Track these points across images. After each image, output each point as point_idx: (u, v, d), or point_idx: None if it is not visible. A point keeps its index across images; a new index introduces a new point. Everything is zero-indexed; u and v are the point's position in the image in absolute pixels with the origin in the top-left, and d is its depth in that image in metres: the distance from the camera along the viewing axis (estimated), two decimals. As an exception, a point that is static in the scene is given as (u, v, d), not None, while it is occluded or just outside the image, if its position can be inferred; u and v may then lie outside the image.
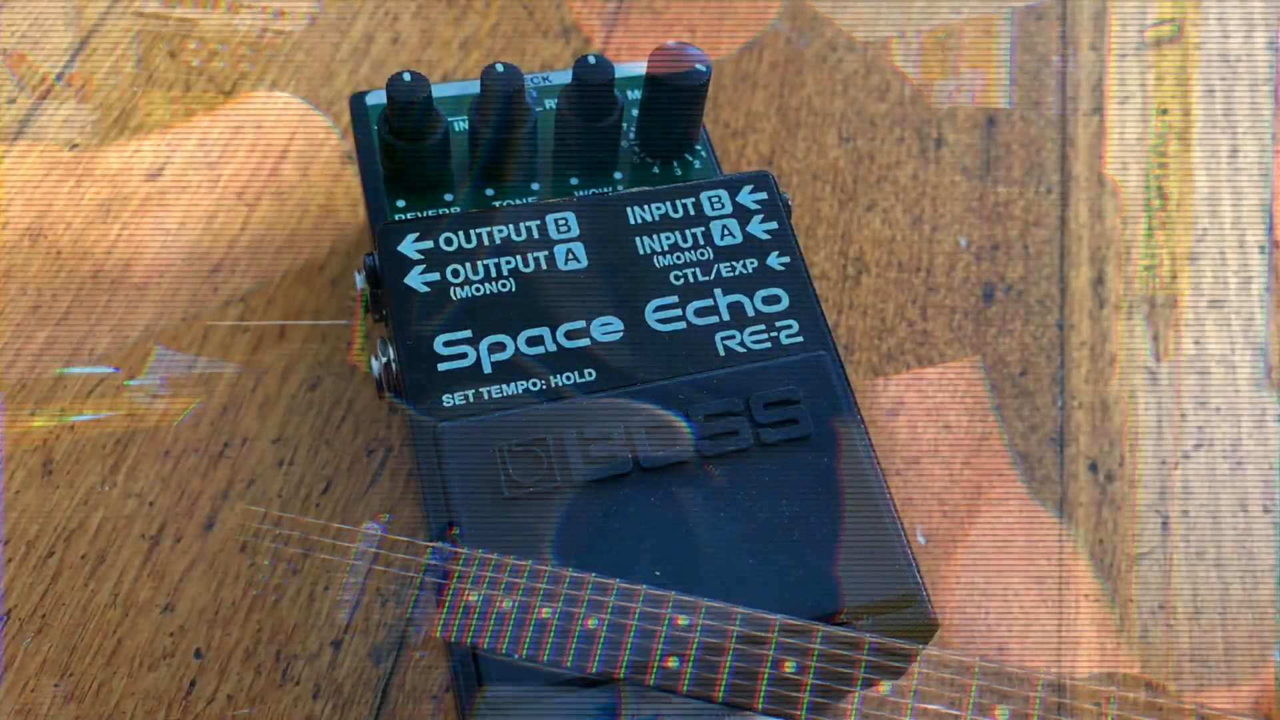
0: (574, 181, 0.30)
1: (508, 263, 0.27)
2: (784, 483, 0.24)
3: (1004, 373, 0.35)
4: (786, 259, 0.28)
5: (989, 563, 0.32)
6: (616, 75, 0.32)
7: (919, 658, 0.30)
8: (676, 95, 0.29)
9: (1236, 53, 0.44)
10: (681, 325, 0.26)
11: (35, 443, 0.32)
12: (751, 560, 0.23)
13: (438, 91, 0.31)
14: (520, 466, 0.24)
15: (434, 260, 0.27)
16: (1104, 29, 0.44)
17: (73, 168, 0.37)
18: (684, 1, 0.43)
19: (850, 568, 0.23)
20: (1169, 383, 0.36)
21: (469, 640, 0.22)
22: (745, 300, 0.27)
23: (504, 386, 0.25)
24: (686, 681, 0.22)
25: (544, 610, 0.22)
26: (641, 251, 0.27)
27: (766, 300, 0.27)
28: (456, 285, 0.26)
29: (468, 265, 0.27)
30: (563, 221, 0.28)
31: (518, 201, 0.30)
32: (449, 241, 0.27)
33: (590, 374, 0.25)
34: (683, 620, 0.22)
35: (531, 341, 0.26)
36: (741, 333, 0.26)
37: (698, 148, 0.31)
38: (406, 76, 0.28)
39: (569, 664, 0.22)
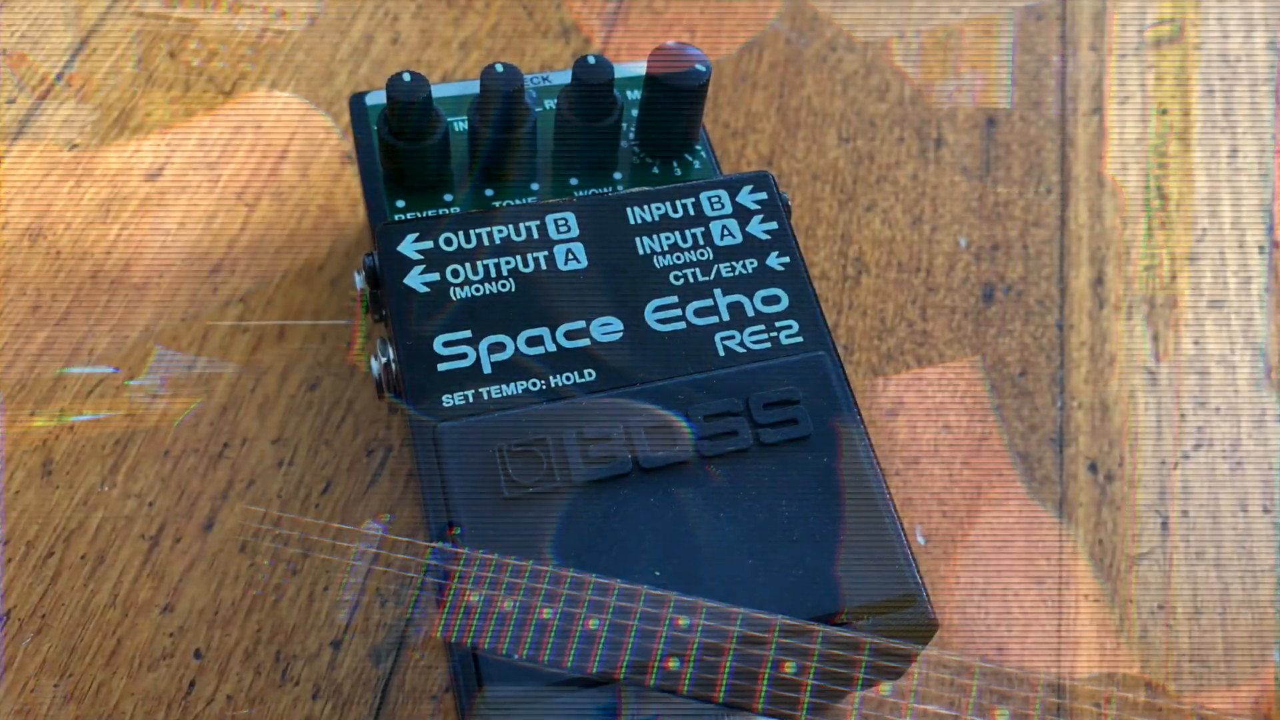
0: (574, 182, 0.30)
1: (507, 263, 0.27)
2: (783, 483, 0.24)
3: (1004, 373, 0.35)
4: (786, 259, 0.28)
5: (988, 563, 0.32)
6: (616, 75, 0.32)
7: (919, 658, 0.30)
8: (676, 95, 0.29)
9: (1236, 53, 0.44)
10: (681, 325, 0.26)
11: (35, 443, 0.32)
12: (751, 560, 0.23)
13: (437, 92, 0.31)
14: (520, 467, 0.24)
15: (434, 260, 0.27)
16: (1104, 29, 0.44)
17: (72, 168, 0.37)
18: (684, 1, 0.43)
19: (850, 568, 0.23)
20: (1169, 383, 0.36)
21: (469, 641, 0.22)
22: (745, 300, 0.27)
23: (504, 387, 0.25)
24: (686, 682, 0.22)
25: (544, 611, 0.22)
26: (641, 251, 0.27)
27: (766, 300, 0.27)
28: (456, 285, 0.26)
29: (467, 265, 0.27)
30: (562, 222, 0.28)
31: (517, 202, 0.30)
32: (449, 242, 0.27)
33: (590, 374, 0.25)
34: (683, 621, 0.22)
35: (531, 341, 0.26)
36: (741, 333, 0.26)
37: (697, 148, 0.31)
38: (406, 77, 0.28)
39: (569, 665, 0.22)
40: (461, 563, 0.22)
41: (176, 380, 0.33)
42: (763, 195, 0.29)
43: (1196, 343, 0.37)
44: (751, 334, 0.26)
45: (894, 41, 0.43)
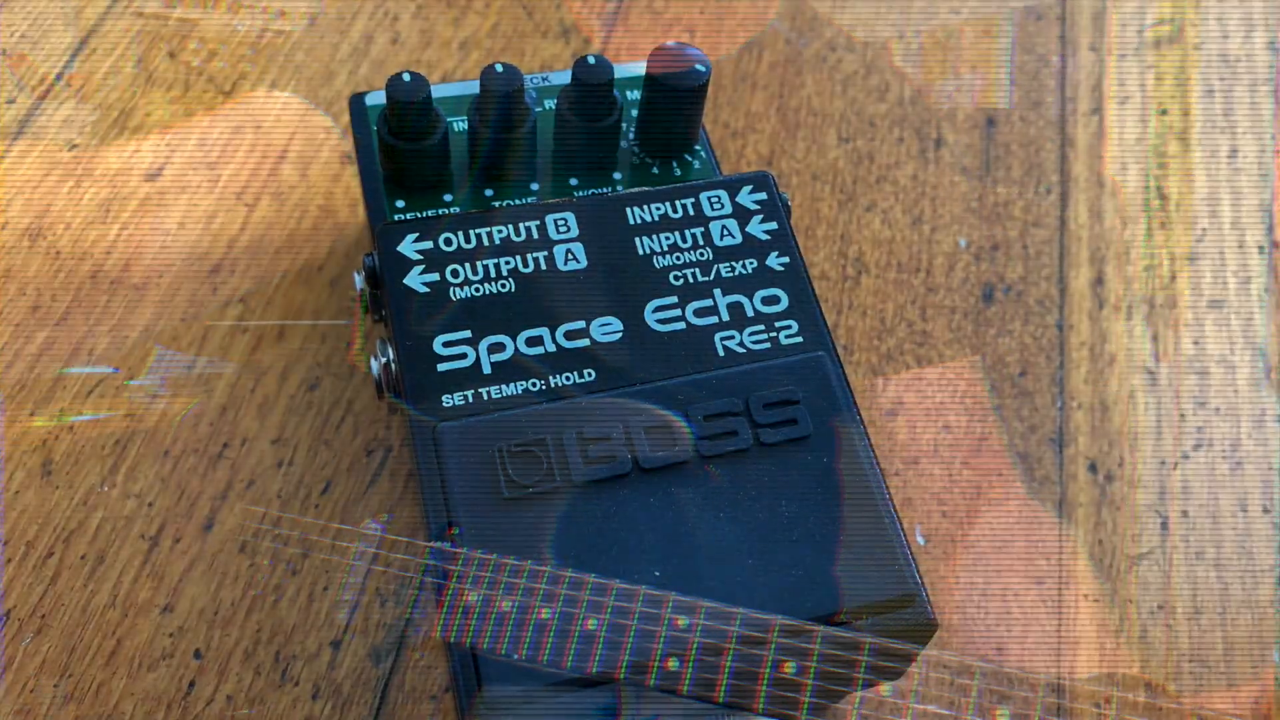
0: (573, 182, 0.30)
1: (507, 263, 0.27)
2: (783, 483, 0.24)
3: (1003, 373, 0.35)
4: (786, 259, 0.28)
5: (988, 563, 0.32)
6: (616, 75, 0.32)
7: (919, 659, 0.30)
8: (676, 95, 0.29)
9: (1236, 53, 0.44)
10: (681, 325, 0.26)
11: (35, 443, 0.32)
12: (751, 560, 0.23)
13: (437, 92, 0.31)
14: (520, 467, 0.24)
15: (433, 260, 0.27)
16: (1103, 29, 0.44)
17: (72, 168, 0.37)
18: (683, 2, 0.43)
19: (849, 568, 0.23)
20: (1168, 383, 0.36)
21: (468, 641, 0.22)
22: (745, 300, 0.27)
23: (503, 387, 0.25)
24: (686, 683, 0.22)
25: (544, 611, 0.22)
26: (641, 252, 0.27)
27: (766, 300, 0.27)
28: (456, 285, 0.26)
29: (467, 265, 0.27)
30: (562, 222, 0.28)
31: (517, 202, 0.30)
32: (448, 242, 0.27)
33: (590, 374, 0.25)
34: (682, 621, 0.22)
35: (531, 342, 0.26)
36: (741, 333, 0.26)
37: (697, 148, 0.31)
38: (406, 77, 0.28)
39: (569, 665, 0.22)
40: (460, 563, 0.22)
41: (176, 380, 0.33)
42: (762, 195, 0.29)
43: (1196, 343, 0.37)
44: (751, 334, 0.26)
45: (894, 42, 0.43)
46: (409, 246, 0.27)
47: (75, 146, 0.38)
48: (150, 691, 0.29)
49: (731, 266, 0.27)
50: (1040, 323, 0.36)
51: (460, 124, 0.31)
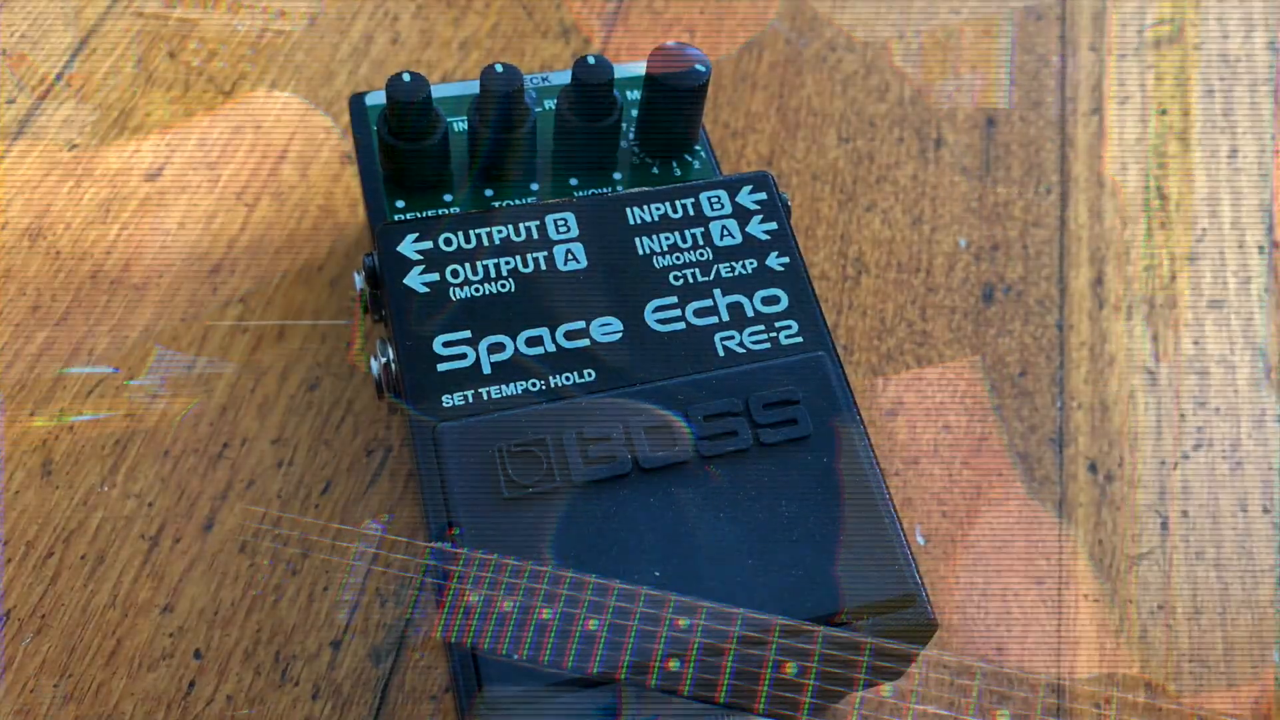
0: (573, 182, 0.30)
1: (507, 263, 0.27)
2: (783, 483, 0.24)
3: (1003, 373, 0.35)
4: (786, 259, 0.28)
5: (988, 563, 0.32)
6: (616, 76, 0.32)
7: (919, 659, 0.30)
8: (676, 95, 0.29)
9: (1236, 53, 0.44)
10: (681, 326, 0.26)
11: (35, 443, 0.32)
12: (751, 560, 0.23)
13: (437, 92, 0.31)
14: (520, 467, 0.24)
15: (433, 261, 0.27)
16: (1103, 29, 0.44)
17: (72, 168, 0.37)
18: (683, 2, 0.43)
19: (849, 568, 0.23)
20: (1168, 383, 0.36)
21: (469, 641, 0.22)
22: (744, 301, 0.27)
23: (503, 387, 0.25)
24: (686, 683, 0.22)
25: (544, 611, 0.22)
26: (641, 252, 0.27)
27: (766, 301, 0.27)
28: (456, 285, 0.26)
29: (467, 266, 0.27)
30: (562, 222, 0.28)
31: (517, 202, 0.30)
32: (448, 242, 0.27)
33: (590, 374, 0.25)
34: (683, 622, 0.22)
35: (531, 342, 0.26)
36: (741, 333, 0.26)
37: (697, 148, 0.31)
38: (406, 77, 0.28)
39: (569, 665, 0.22)
40: (461, 563, 0.22)
41: (176, 380, 0.33)
42: (762, 195, 0.29)
43: (1196, 343, 0.37)
44: (751, 334, 0.26)
45: (894, 42, 0.43)
46: (409, 246, 0.27)
47: (75, 146, 0.38)
48: (150, 691, 0.29)
49: (731, 266, 0.27)
50: (1040, 323, 0.36)
51: (460, 124, 0.31)
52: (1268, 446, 0.35)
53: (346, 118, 0.36)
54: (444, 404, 0.25)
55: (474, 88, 0.31)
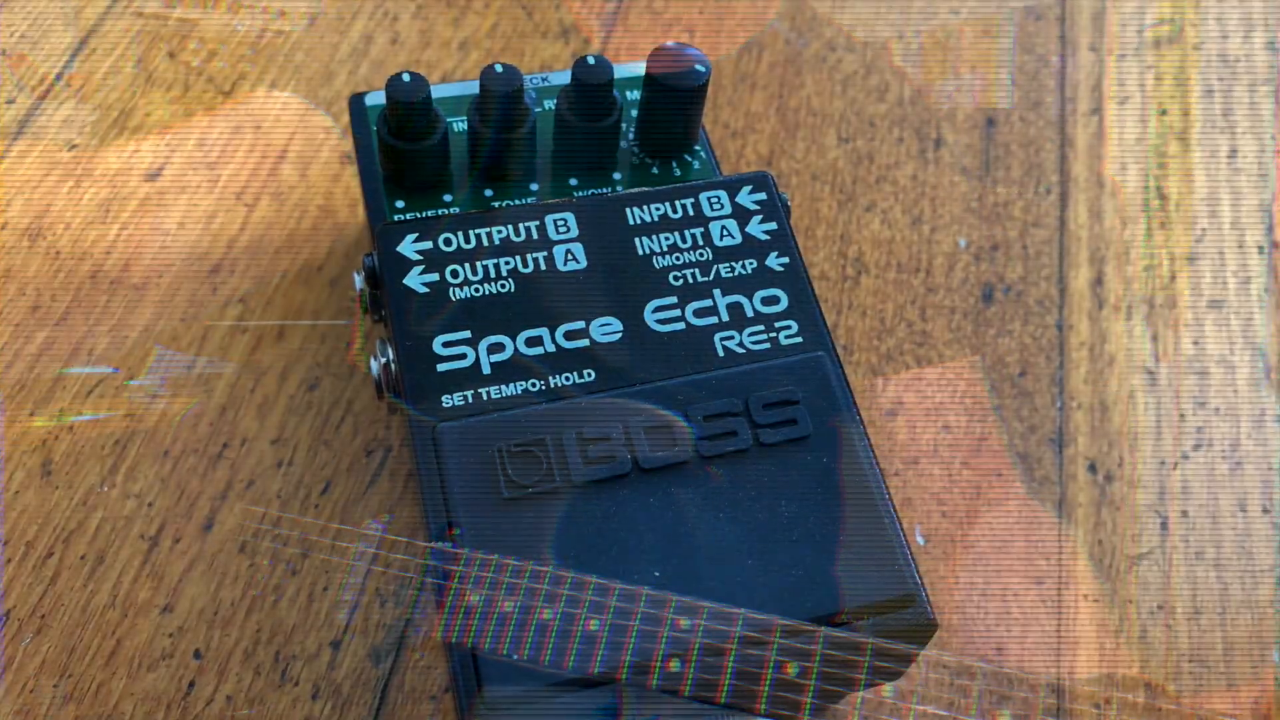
0: (573, 182, 0.30)
1: (507, 263, 0.27)
2: (783, 483, 0.24)
3: (1003, 373, 0.35)
4: (785, 259, 0.28)
5: (988, 563, 0.32)
6: (615, 76, 0.32)
7: (920, 660, 0.30)
8: (675, 96, 0.29)
9: (1236, 53, 0.44)
10: (680, 326, 0.26)
11: (34, 443, 0.32)
12: (751, 561, 0.23)
13: (437, 92, 0.31)
14: (519, 467, 0.24)
15: (433, 261, 0.27)
16: (1103, 29, 0.44)
17: (72, 168, 0.37)
18: (683, 2, 0.43)
19: (849, 568, 0.23)
20: (1168, 383, 0.36)
21: (469, 642, 0.22)
22: (744, 301, 0.27)
23: (503, 387, 0.25)
24: (687, 684, 0.22)
25: (545, 612, 0.22)
26: (641, 252, 0.27)
27: (765, 301, 0.27)
28: (455, 286, 0.26)
29: (467, 266, 0.27)
30: (562, 222, 0.28)
31: (517, 202, 0.30)
32: (448, 242, 0.27)
33: (589, 374, 0.25)
34: (684, 622, 0.22)
35: (531, 342, 0.26)
36: (740, 333, 0.26)
37: (697, 148, 0.31)
38: (406, 77, 0.28)
39: (570, 666, 0.22)
40: (461, 563, 0.22)
41: (176, 380, 0.33)
42: (762, 196, 0.29)
43: (1196, 343, 0.37)
44: (751, 334, 0.26)
45: (893, 42, 0.43)
46: (409, 247, 0.27)
47: (75, 146, 0.38)
48: (150, 691, 0.29)
49: (731, 267, 0.27)
50: (1040, 323, 0.36)
51: (460, 124, 0.31)
52: (1267, 446, 0.35)
53: (346, 118, 0.36)
54: (444, 404, 0.25)
55: (474, 88, 0.31)
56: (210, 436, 0.32)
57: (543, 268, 0.27)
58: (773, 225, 0.28)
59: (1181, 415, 0.35)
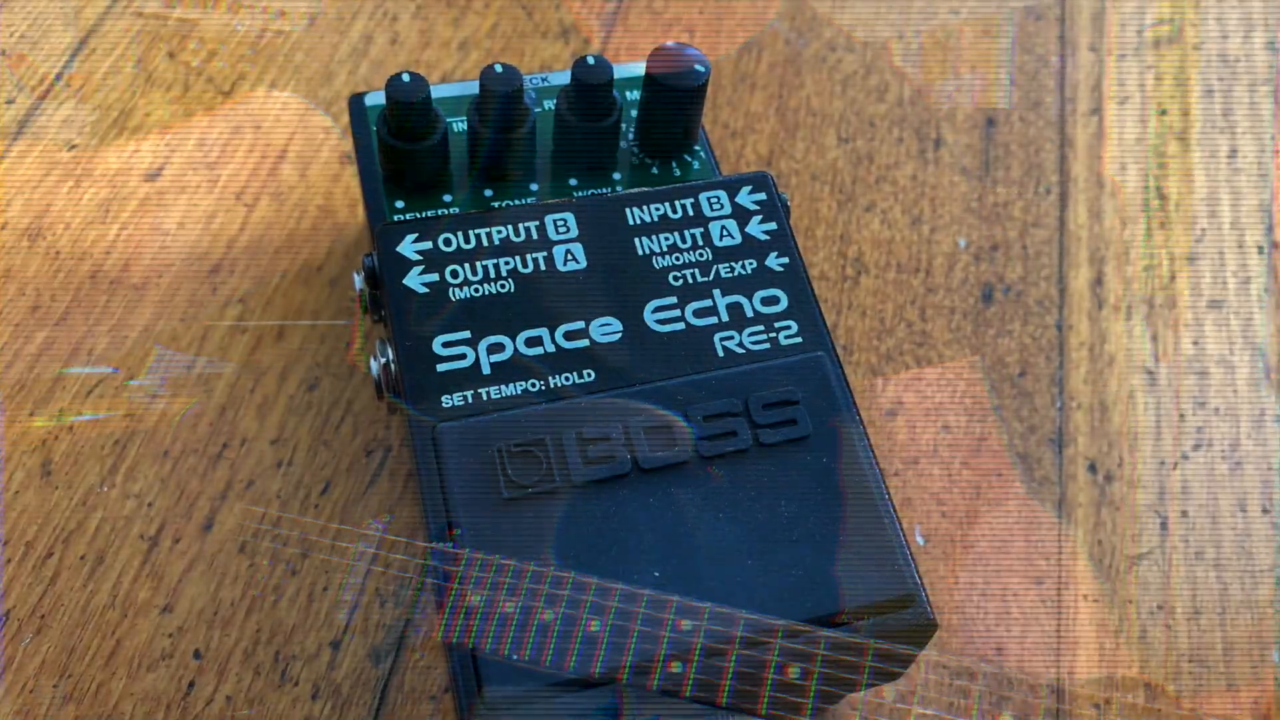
0: (573, 182, 0.30)
1: (507, 263, 0.27)
2: (783, 483, 0.24)
3: (1003, 373, 0.35)
4: (785, 260, 0.28)
5: (988, 563, 0.32)
6: (615, 76, 0.32)
7: (920, 661, 0.30)
8: (675, 96, 0.29)
9: (1235, 53, 0.44)
10: (680, 326, 0.26)
11: (34, 443, 0.32)
12: (750, 561, 0.23)
13: (437, 92, 0.31)
14: (519, 467, 0.24)
15: (433, 261, 0.27)
16: (1103, 29, 0.44)
17: (72, 168, 0.37)
18: (683, 2, 0.43)
19: (849, 568, 0.23)
20: (1168, 383, 0.36)
21: (470, 643, 0.22)
22: (744, 301, 0.27)
23: (503, 387, 0.25)
24: (687, 685, 0.22)
25: (545, 613, 0.22)
26: (640, 252, 0.27)
27: (765, 301, 0.27)
28: (455, 286, 0.26)
29: (467, 266, 0.27)
30: (562, 222, 0.28)
31: (517, 202, 0.30)
32: (448, 242, 0.27)
33: (589, 374, 0.25)
34: (685, 624, 0.22)
35: (530, 342, 0.26)
36: (740, 333, 0.26)
37: (696, 148, 0.31)
38: (405, 77, 0.28)
39: (571, 667, 0.22)
40: (462, 564, 0.22)
41: (176, 380, 0.33)
42: (762, 196, 0.29)
43: (1196, 343, 0.37)
44: (750, 334, 0.26)
45: (893, 42, 0.43)
46: (408, 247, 0.27)
47: (75, 147, 0.38)
48: (150, 692, 0.29)
49: (731, 267, 0.27)
50: (1040, 323, 0.36)
51: (460, 124, 0.31)
52: (1267, 447, 0.35)
53: (346, 118, 0.36)
54: (443, 404, 0.25)
55: (473, 88, 0.31)
56: (210, 436, 0.32)
57: (542, 268, 0.27)
58: (772, 225, 0.28)
59: (1181, 415, 0.35)
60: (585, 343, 0.26)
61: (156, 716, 0.28)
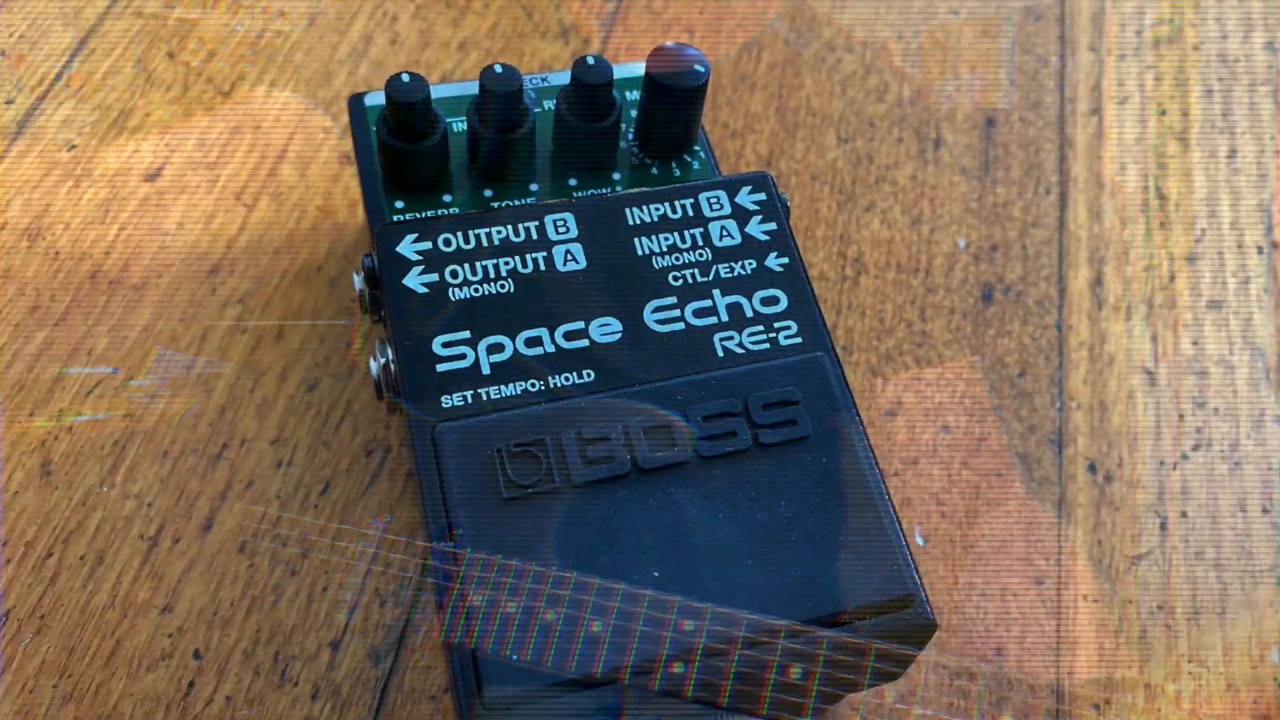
0: (572, 182, 0.30)
1: (506, 263, 0.27)
2: (782, 483, 0.24)
3: (1003, 373, 0.35)
4: (785, 260, 0.28)
5: (987, 564, 0.32)
6: (615, 76, 0.32)
7: (922, 664, 0.30)
8: (675, 96, 0.29)
9: (1235, 53, 0.44)
10: (680, 326, 0.26)
11: (34, 443, 0.32)
12: (750, 561, 0.23)
13: (436, 92, 0.31)
14: (519, 467, 0.24)
15: (432, 261, 0.27)
16: (1103, 30, 0.44)
17: (71, 168, 0.37)
18: (683, 2, 0.43)
19: (849, 568, 0.23)
20: (1168, 383, 0.36)
21: (471, 643, 0.22)
22: (744, 301, 0.27)
23: (503, 387, 0.25)
24: (686, 686, 0.22)
25: (546, 614, 0.22)
26: (640, 252, 0.27)
27: (765, 301, 0.27)
28: (455, 286, 0.26)
29: (466, 266, 0.27)
30: (561, 222, 0.28)
31: (516, 202, 0.30)
32: (447, 242, 0.27)
33: (589, 375, 0.25)
34: (688, 625, 0.22)
35: (530, 342, 0.26)
36: (740, 333, 0.26)
37: (696, 148, 0.31)
38: (405, 77, 0.28)
39: (572, 668, 0.22)
40: (462, 564, 0.22)
41: (175, 380, 0.33)
42: (761, 196, 0.29)
43: (1195, 343, 0.37)
44: (750, 335, 0.26)
45: (893, 42, 0.43)
46: (408, 247, 0.27)
47: (74, 147, 0.38)
48: (149, 692, 0.29)
49: (730, 267, 0.27)
50: (1039, 323, 0.36)
51: (460, 124, 0.31)
52: (1267, 447, 0.35)
53: (346, 118, 0.36)
54: (443, 404, 0.25)
55: (473, 88, 0.31)
56: (210, 437, 0.32)
57: (542, 268, 0.27)
58: (772, 225, 0.28)
59: (1181, 415, 0.35)
60: (585, 343, 0.26)
61: (156, 716, 0.28)
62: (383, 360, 0.27)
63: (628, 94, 0.32)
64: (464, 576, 0.22)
